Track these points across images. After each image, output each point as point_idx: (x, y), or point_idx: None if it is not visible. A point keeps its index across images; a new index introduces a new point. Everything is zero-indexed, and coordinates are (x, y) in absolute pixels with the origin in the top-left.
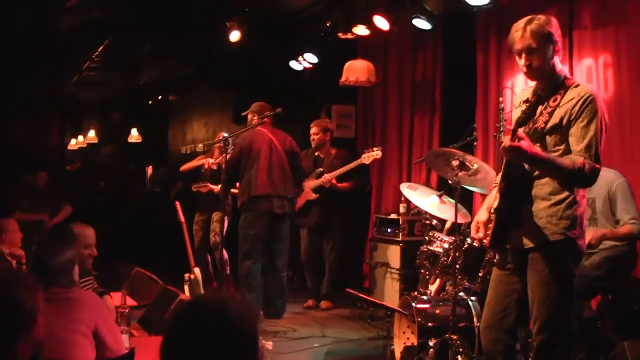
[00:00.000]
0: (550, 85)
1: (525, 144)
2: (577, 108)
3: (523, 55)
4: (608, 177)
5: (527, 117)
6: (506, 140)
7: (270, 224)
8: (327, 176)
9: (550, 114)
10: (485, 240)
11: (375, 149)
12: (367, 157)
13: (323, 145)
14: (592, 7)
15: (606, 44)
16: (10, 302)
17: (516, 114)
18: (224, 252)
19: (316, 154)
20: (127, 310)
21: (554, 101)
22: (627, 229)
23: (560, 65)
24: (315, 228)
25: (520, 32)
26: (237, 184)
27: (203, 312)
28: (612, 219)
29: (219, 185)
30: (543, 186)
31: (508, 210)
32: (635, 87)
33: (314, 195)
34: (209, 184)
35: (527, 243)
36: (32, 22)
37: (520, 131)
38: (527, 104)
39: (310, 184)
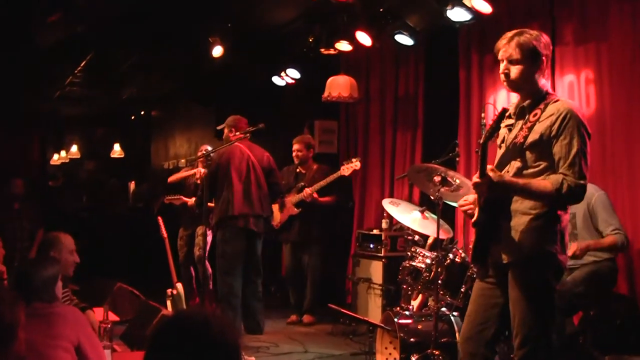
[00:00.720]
0: (532, 100)
1: (493, 175)
2: (557, 125)
3: (504, 63)
4: (588, 191)
5: (493, 130)
6: (475, 178)
7: (247, 240)
8: (308, 190)
9: (530, 128)
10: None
11: (354, 160)
12: (347, 169)
13: (306, 161)
14: (573, 24)
15: (588, 60)
16: None
17: (502, 131)
18: (208, 266)
19: (298, 170)
20: (109, 326)
21: (534, 116)
22: (611, 240)
23: (543, 80)
24: (297, 243)
25: (506, 40)
26: (213, 200)
27: (185, 328)
28: (595, 233)
29: (193, 199)
30: (523, 201)
31: (488, 224)
32: (617, 102)
33: (296, 210)
34: (182, 197)
35: (508, 258)
36: (13, 37)
37: (489, 168)
38: (495, 119)
39: (292, 199)
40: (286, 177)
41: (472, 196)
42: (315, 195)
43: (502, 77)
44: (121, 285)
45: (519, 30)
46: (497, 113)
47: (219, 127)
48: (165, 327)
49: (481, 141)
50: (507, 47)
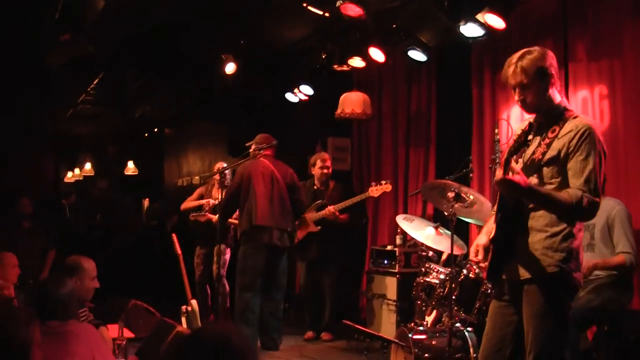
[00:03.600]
0: (550, 116)
1: (519, 177)
2: (574, 141)
3: (517, 91)
4: (608, 204)
5: (519, 145)
6: (499, 173)
7: (270, 256)
8: (331, 208)
9: (548, 145)
10: (482, 265)
11: (383, 182)
12: (376, 190)
13: (326, 179)
14: (586, 40)
15: (601, 76)
16: (2, 335)
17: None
18: (226, 284)
19: (315, 187)
20: (124, 343)
21: (552, 132)
22: (619, 259)
23: (559, 96)
24: (315, 261)
25: (512, 67)
26: (237, 213)
27: (204, 345)
28: (611, 245)
29: (217, 215)
30: (539, 218)
31: (504, 241)
32: (630, 118)
33: (316, 228)
34: (207, 214)
35: (522, 275)
36: (25, 57)
37: (514, 164)
38: (519, 133)
39: (311, 216)
40: (303, 193)
41: (481, 240)
42: (336, 213)
43: (520, 104)
44: (136, 302)
45: (521, 53)
46: (523, 128)
47: (247, 144)
48: (183, 344)
49: (504, 156)
50: (514, 74)
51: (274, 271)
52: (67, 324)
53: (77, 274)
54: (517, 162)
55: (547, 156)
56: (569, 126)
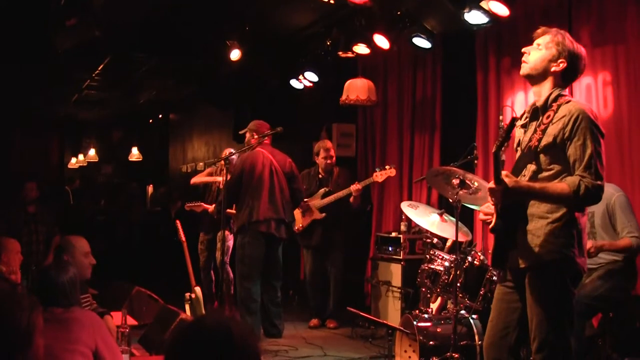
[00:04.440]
0: (544, 100)
1: (509, 180)
2: (569, 127)
3: (532, 44)
4: (607, 191)
5: (503, 140)
6: (490, 184)
7: (267, 246)
8: (357, 185)
9: (544, 131)
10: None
11: (387, 167)
12: (380, 175)
13: (332, 166)
14: (590, 26)
15: (605, 62)
16: (4, 321)
17: (518, 132)
18: (229, 271)
19: (320, 175)
20: (127, 330)
21: (547, 118)
22: (626, 242)
23: (560, 82)
24: (320, 248)
25: (543, 30)
26: (234, 205)
27: (206, 333)
28: (613, 233)
29: (213, 205)
30: (540, 205)
31: (505, 230)
32: (634, 104)
33: (320, 215)
34: (202, 204)
35: (525, 262)
36: (32, 41)
37: (504, 174)
38: (506, 129)
39: (316, 203)
40: (307, 181)
41: (492, 207)
42: (360, 188)
43: (523, 58)
44: (139, 289)
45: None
46: (506, 123)
47: (241, 132)
48: (186, 332)
49: (493, 150)
50: (541, 32)
51: (272, 261)
52: (70, 310)
53: (67, 251)
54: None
55: (543, 142)
56: (562, 111)
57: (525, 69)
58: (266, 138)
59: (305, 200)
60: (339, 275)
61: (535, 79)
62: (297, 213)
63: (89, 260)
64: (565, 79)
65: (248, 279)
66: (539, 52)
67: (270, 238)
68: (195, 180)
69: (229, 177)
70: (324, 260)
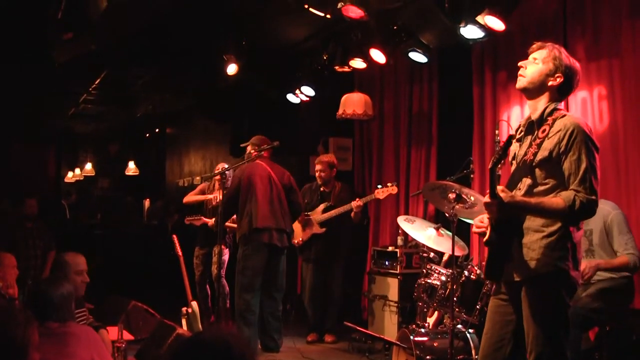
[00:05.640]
0: (540, 114)
1: (504, 195)
2: (565, 141)
3: (528, 59)
4: (604, 209)
5: (500, 157)
6: (485, 199)
7: (269, 257)
8: (360, 202)
9: (539, 145)
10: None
11: (389, 184)
12: (382, 192)
13: (329, 181)
14: (585, 41)
15: (600, 77)
16: (1, 337)
17: (513, 146)
18: (225, 284)
19: (322, 189)
20: (123, 345)
21: (543, 132)
22: (622, 260)
23: (556, 96)
24: (320, 262)
25: (539, 44)
26: (234, 217)
27: (205, 348)
28: (610, 251)
29: (213, 219)
30: (535, 218)
31: (499, 243)
32: (629, 119)
33: (320, 229)
34: (202, 217)
35: (520, 276)
36: (29, 55)
37: (499, 188)
38: (502, 146)
39: (317, 217)
40: (308, 195)
41: (486, 217)
42: (361, 205)
43: (519, 72)
44: (136, 303)
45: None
46: (504, 140)
47: (242, 145)
48: (185, 346)
49: (489, 167)
50: (538, 47)
51: (273, 271)
52: (66, 325)
53: (61, 269)
54: (510, 163)
55: (539, 157)
56: (558, 125)
57: (522, 82)
58: (265, 151)
59: (308, 214)
60: (339, 289)
61: (531, 92)
62: (297, 227)
63: (82, 278)
64: (561, 93)
65: (248, 290)
66: (536, 66)
67: (272, 248)
68: (187, 199)
69: (223, 192)
70: (324, 275)
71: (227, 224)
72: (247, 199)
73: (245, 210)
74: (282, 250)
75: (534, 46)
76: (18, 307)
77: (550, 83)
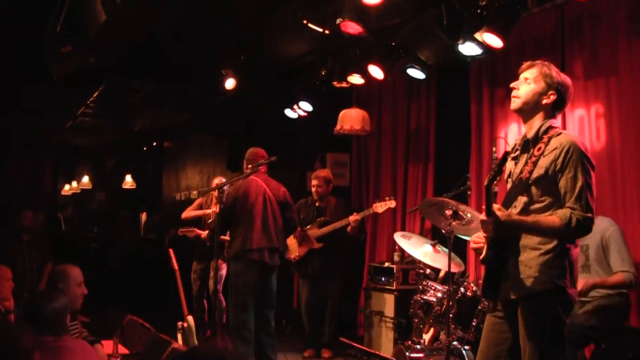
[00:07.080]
0: (535, 132)
1: (501, 214)
2: (561, 159)
3: (519, 79)
4: (602, 225)
5: (495, 174)
6: (481, 216)
7: (261, 274)
8: (357, 216)
9: (535, 163)
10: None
11: (387, 198)
12: (380, 206)
13: (325, 196)
14: (583, 59)
15: (597, 95)
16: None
17: (509, 164)
18: (222, 299)
19: (317, 204)
20: (119, 359)
21: (538, 150)
22: (618, 278)
23: (550, 113)
24: (317, 277)
25: (529, 64)
26: (227, 232)
27: None
28: (606, 266)
29: (206, 231)
30: (532, 236)
31: (496, 261)
32: (627, 136)
33: (317, 245)
34: (195, 229)
35: (517, 293)
36: (27, 68)
37: (496, 207)
38: (498, 163)
39: (313, 233)
40: (304, 210)
41: (482, 236)
42: (359, 219)
43: (512, 93)
44: (131, 317)
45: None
46: (499, 157)
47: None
48: None
49: (485, 184)
50: (528, 66)
51: (265, 289)
52: (61, 339)
53: (62, 280)
54: (505, 181)
55: (535, 175)
56: (553, 143)
57: (517, 103)
58: (261, 167)
59: (305, 229)
60: (336, 305)
61: (526, 113)
62: (294, 242)
63: (81, 290)
64: (555, 109)
65: (242, 307)
66: (528, 86)
67: (263, 266)
68: (186, 215)
69: (220, 206)
70: (321, 290)
71: (222, 237)
72: (241, 219)
73: (238, 230)
74: (272, 268)
75: (523, 66)
76: (14, 324)
77: (544, 101)
